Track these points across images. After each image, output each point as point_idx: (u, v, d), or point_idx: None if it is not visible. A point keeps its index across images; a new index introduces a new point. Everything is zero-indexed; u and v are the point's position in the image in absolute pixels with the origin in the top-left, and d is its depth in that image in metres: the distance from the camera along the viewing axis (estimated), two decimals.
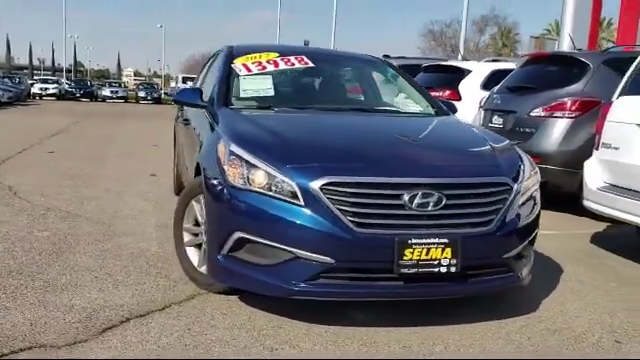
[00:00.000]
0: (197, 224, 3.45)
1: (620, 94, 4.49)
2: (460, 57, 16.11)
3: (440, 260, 2.71)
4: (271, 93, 3.99)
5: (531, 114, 6.06)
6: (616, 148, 4.31)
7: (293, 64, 4.24)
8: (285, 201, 2.72)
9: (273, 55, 4.31)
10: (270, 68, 4.16)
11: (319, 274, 2.70)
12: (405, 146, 3.19)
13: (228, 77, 4.05)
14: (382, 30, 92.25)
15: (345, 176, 2.71)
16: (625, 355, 2.79)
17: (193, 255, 3.44)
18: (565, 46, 13.59)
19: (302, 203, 2.69)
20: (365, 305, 3.14)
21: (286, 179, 2.74)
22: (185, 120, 4.76)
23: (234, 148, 2.96)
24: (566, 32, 13.73)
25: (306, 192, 2.69)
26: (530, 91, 6.27)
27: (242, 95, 3.94)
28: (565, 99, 5.86)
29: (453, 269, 2.74)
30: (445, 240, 2.70)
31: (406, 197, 2.70)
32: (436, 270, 2.72)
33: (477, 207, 2.82)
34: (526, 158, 3.27)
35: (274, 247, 2.74)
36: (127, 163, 8.37)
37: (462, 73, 8.51)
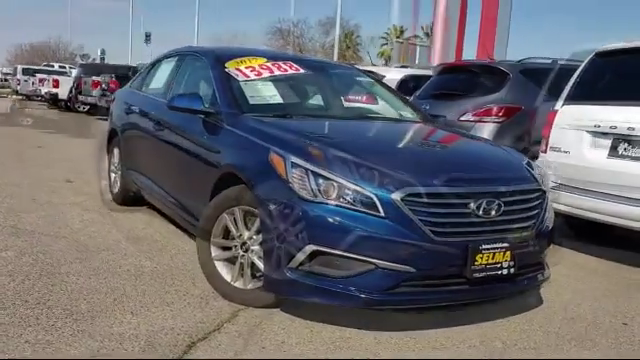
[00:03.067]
0: (227, 237, 3.34)
1: (564, 103, 5.06)
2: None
3: (502, 263, 2.93)
4: (279, 100, 3.95)
5: (461, 119, 6.54)
6: (566, 152, 4.86)
7: (286, 70, 4.21)
8: (363, 212, 2.76)
9: (262, 60, 4.25)
10: (266, 74, 4.10)
11: (399, 283, 2.78)
12: (455, 156, 3.38)
13: (228, 83, 3.92)
14: (228, 25, 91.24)
15: (423, 187, 2.82)
16: (628, 355, 3.10)
17: (224, 270, 3.32)
18: (437, 53, 14.72)
19: (382, 214, 2.74)
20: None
21: (363, 190, 2.78)
22: (157, 125, 4.47)
23: (296, 160, 2.92)
24: (437, 40, 14.89)
25: (386, 203, 2.75)
26: (458, 97, 6.76)
27: (252, 102, 3.83)
28: (491, 105, 6.43)
29: (512, 270, 2.97)
30: (506, 244, 2.93)
31: (473, 205, 2.88)
32: (499, 272, 2.93)
33: (524, 212, 3.08)
34: (536, 164, 3.61)
35: (353, 259, 2.76)
36: (27, 167, 7.55)
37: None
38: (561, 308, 3.58)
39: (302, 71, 4.29)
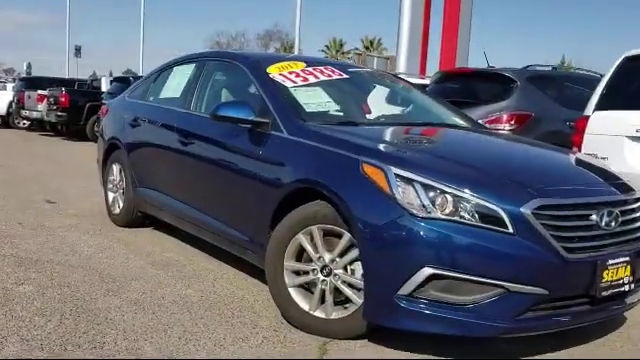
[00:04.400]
0: (300, 260, 2.96)
1: (595, 109, 4.95)
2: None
3: (624, 279, 2.69)
4: (335, 106, 3.60)
5: None
6: (604, 158, 4.73)
7: (330, 75, 3.87)
8: (488, 228, 2.45)
9: (302, 65, 3.90)
10: (312, 79, 3.75)
11: (530, 307, 2.49)
12: (558, 164, 3.13)
13: (277, 89, 3.54)
14: (168, 39, 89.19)
15: (553, 198, 2.54)
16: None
17: (300, 298, 2.93)
18: (402, 64, 14.65)
19: (511, 230, 2.44)
20: None
21: (486, 203, 2.47)
22: (184, 138, 4.01)
23: (399, 171, 2.58)
24: (402, 52, 14.80)
25: (516, 218, 2.45)
26: (462, 106, 6.57)
27: (308, 109, 3.46)
28: (502, 113, 6.29)
29: (632, 286, 2.74)
30: (627, 258, 2.69)
31: (595, 217, 2.62)
32: (622, 290, 2.69)
33: (636, 221, 2.86)
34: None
35: (479, 282, 2.44)
36: None
37: None
38: None
39: (345, 76, 3.97)
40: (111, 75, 22.99)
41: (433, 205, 2.49)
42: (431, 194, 2.52)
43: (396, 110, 4.07)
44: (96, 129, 14.98)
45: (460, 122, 4.00)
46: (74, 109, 14.82)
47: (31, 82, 20.01)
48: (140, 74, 21.79)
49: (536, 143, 3.71)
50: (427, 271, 2.46)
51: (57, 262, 3.91)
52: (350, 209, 2.66)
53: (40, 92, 16.48)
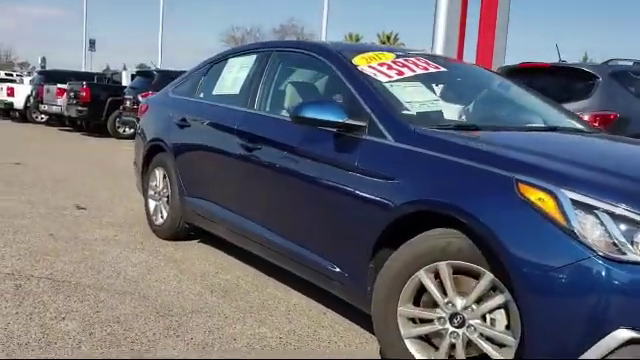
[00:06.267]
0: (417, 304, 2.34)
1: None
2: None
3: None
4: (443, 106, 2.96)
5: None
6: None
7: (426, 68, 3.23)
8: None
9: (392, 55, 3.27)
10: (408, 73, 3.11)
11: None
12: None
13: (370, 85, 2.90)
14: (184, 34, 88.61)
15: None
16: None
17: (420, 352, 2.30)
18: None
19: None
20: None
21: None
22: (247, 140, 3.37)
23: (577, 196, 1.94)
24: (439, 45, 14.12)
25: None
26: None
27: (413, 110, 2.82)
28: (584, 113, 5.60)
29: None
30: None
31: None
32: None
33: None
34: None
35: None
36: (18, 190, 6.25)
37: None
38: None
39: (442, 69, 3.33)
40: (125, 69, 22.42)
41: (630, 243, 1.85)
42: (624, 228, 1.87)
43: (504, 110, 3.40)
44: (117, 125, 14.49)
45: (578, 125, 3.35)
46: (95, 104, 14.27)
47: (50, 76, 19.51)
48: (159, 67, 21.21)
49: None
50: (624, 334, 1.82)
51: (100, 287, 3.31)
52: (501, 243, 2.02)
53: (60, 86, 15.97)
